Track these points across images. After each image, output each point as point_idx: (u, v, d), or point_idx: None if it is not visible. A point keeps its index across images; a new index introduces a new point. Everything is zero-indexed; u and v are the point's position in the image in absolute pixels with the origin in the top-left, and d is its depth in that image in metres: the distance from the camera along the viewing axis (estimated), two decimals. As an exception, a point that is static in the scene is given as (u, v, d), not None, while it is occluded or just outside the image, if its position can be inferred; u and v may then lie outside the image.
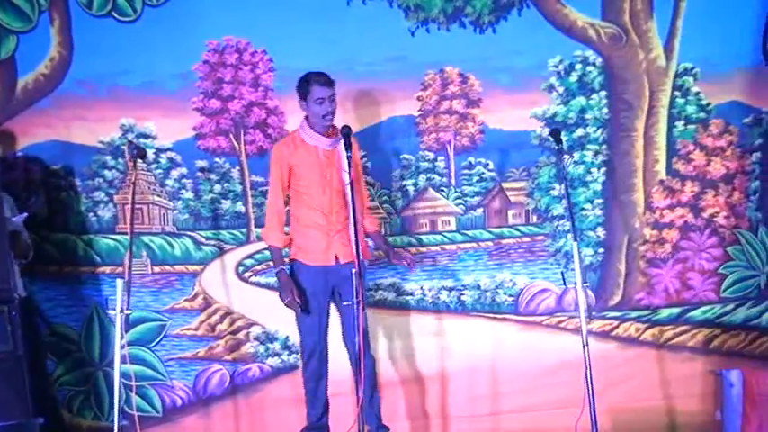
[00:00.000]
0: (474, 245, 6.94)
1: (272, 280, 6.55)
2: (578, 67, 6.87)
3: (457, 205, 6.93)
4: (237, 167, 6.79)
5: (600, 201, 6.96)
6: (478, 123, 6.87)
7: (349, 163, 5.61)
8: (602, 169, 6.95)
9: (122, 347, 5.64)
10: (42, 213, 6.61)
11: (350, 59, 6.57)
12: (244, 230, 6.80)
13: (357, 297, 5.40)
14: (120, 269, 6.60)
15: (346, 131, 5.70)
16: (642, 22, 6.86)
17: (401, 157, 6.88)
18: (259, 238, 6.68)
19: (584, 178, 6.95)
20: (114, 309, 5.57)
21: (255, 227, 6.76)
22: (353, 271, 5.43)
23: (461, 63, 6.83)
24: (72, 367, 6.73)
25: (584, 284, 5.81)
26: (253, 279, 6.81)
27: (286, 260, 6.01)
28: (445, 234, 6.94)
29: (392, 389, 6.71)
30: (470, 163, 6.91)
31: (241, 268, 6.82)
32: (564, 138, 6.50)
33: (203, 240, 6.80)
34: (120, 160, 6.68)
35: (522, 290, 6.94)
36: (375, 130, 6.81)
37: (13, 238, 5.90)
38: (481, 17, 6.78)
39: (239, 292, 6.82)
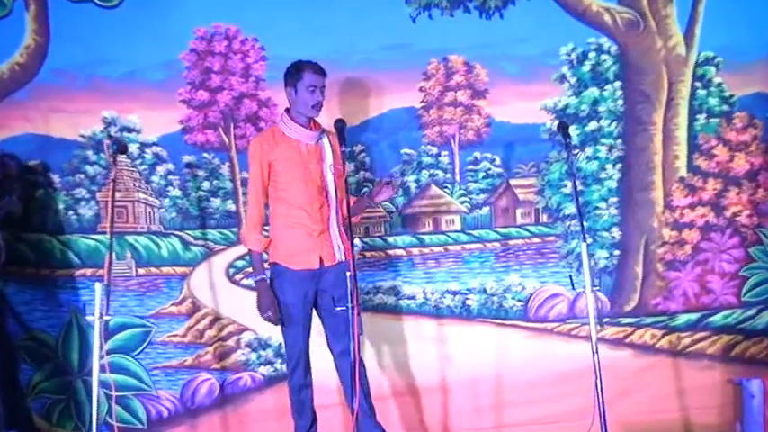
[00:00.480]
0: (480, 246, 6.77)
1: None
2: (592, 55, 6.74)
3: (462, 203, 6.75)
4: (227, 163, 6.61)
5: (615, 199, 6.80)
6: (485, 116, 6.72)
7: (343, 159, 5.46)
8: (618, 165, 6.79)
9: (102, 356, 5.44)
10: (17, 212, 6.41)
11: (347, 47, 6.44)
12: (234, 230, 6.60)
13: (352, 302, 5.21)
14: (101, 271, 6.27)
15: (340, 125, 5.53)
16: (661, 8, 6.75)
17: (402, 151, 6.71)
18: (241, 241, 6.47)
19: (598, 175, 6.80)
20: (92, 314, 5.37)
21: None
22: (348, 274, 5.24)
23: (466, 51, 6.68)
24: (51, 374, 6.52)
25: (594, 288, 5.63)
26: (244, 282, 6.60)
27: (266, 264, 5.81)
28: (449, 234, 6.76)
29: (390, 399, 6.57)
30: (476, 158, 6.73)
31: (232, 270, 6.64)
32: (575, 132, 6.60)
33: (192, 240, 6.62)
34: (102, 155, 6.51)
35: (531, 294, 6.77)
36: (374, 123, 6.65)
37: None
38: (487, 1, 6.65)
39: (230, 295, 6.63)
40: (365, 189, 6.49)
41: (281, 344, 6.45)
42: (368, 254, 6.62)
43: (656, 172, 6.77)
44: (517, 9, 6.60)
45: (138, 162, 6.53)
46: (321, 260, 5.68)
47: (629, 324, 6.76)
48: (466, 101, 6.67)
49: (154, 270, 6.58)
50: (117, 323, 6.32)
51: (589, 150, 6.73)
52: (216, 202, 6.58)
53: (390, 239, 6.55)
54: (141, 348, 6.52)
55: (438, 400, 6.64)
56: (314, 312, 5.81)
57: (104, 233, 6.41)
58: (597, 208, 6.75)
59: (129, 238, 6.54)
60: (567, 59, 6.68)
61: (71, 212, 6.52)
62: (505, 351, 6.69)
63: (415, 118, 6.67)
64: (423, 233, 6.72)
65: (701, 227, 6.78)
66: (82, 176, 6.51)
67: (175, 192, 6.57)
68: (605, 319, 6.61)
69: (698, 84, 6.74)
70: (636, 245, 6.78)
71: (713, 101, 6.76)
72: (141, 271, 6.56)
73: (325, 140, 5.69)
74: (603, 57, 6.69)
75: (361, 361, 5.66)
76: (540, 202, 6.75)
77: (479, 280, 6.71)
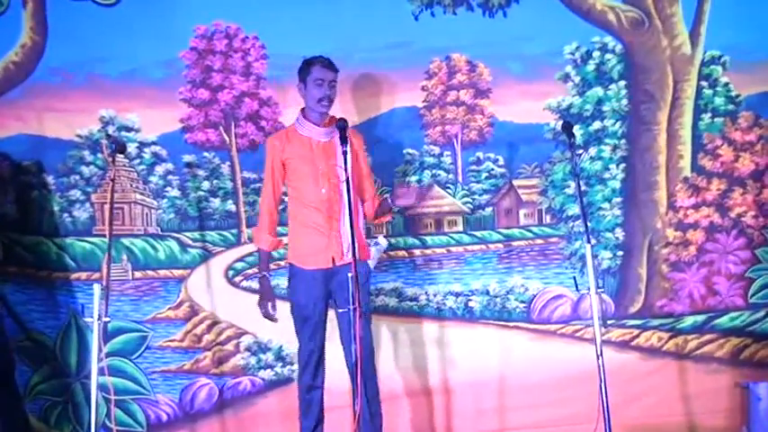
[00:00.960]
0: (483, 247, 6.70)
1: None
2: (596, 54, 6.67)
3: (464, 204, 6.68)
4: (228, 163, 6.54)
5: (618, 200, 6.73)
6: (488, 115, 6.65)
7: (345, 158, 5.35)
8: (621, 165, 6.72)
9: (101, 359, 5.35)
10: (11, 214, 6.34)
11: (348, 46, 6.34)
12: (234, 231, 6.55)
13: (354, 304, 5.13)
14: (97, 275, 6.36)
15: (341, 125, 5.43)
16: (666, 6, 6.67)
17: (404, 151, 6.63)
18: (251, 240, 6.44)
19: (602, 175, 6.72)
20: (91, 316, 5.28)
21: (247, 227, 6.53)
22: (350, 275, 5.16)
23: (469, 50, 6.61)
24: (49, 376, 6.45)
25: (599, 290, 5.53)
26: (244, 284, 6.54)
27: (282, 263, 5.82)
28: (451, 235, 6.69)
29: (392, 402, 6.41)
30: (479, 158, 6.66)
31: (231, 272, 6.55)
32: (579, 131, 6.52)
33: (190, 242, 6.54)
34: (99, 155, 6.44)
35: (534, 296, 6.69)
36: (375, 123, 6.58)
37: None
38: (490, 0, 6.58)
39: (229, 298, 6.55)
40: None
41: (281, 347, 6.53)
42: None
43: (660, 172, 6.70)
44: (521, 7, 6.53)
45: (136, 162, 6.46)
46: (333, 259, 5.61)
47: (635, 326, 6.68)
48: (469, 100, 6.60)
49: (151, 273, 6.50)
50: (114, 327, 6.23)
51: (593, 150, 6.65)
52: (215, 202, 6.51)
53: (392, 240, 6.46)
54: (139, 353, 6.44)
55: (440, 402, 6.58)
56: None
57: (100, 236, 6.41)
58: (601, 208, 6.68)
59: (126, 241, 6.46)
60: (572, 58, 6.61)
61: (65, 215, 6.44)
62: (508, 353, 6.62)
63: (418, 117, 6.60)
64: (425, 234, 6.65)
65: (706, 227, 6.71)
66: (77, 177, 6.44)
67: (174, 192, 6.50)
68: (610, 321, 6.55)
69: (703, 83, 6.67)
70: (639, 246, 6.71)
71: (719, 100, 6.69)
72: (138, 274, 6.48)
73: (338, 138, 5.58)
74: (608, 56, 6.62)
75: (369, 364, 5.65)
76: (543, 202, 6.68)
77: (482, 281, 6.64)
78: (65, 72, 6.35)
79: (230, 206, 6.51)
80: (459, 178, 6.64)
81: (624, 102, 6.66)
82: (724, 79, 6.69)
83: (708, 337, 6.73)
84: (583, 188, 6.46)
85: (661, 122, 6.68)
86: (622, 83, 6.65)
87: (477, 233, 6.66)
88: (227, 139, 6.48)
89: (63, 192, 6.42)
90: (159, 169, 6.47)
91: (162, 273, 6.49)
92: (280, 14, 6.41)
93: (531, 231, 6.70)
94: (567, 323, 6.65)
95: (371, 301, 6.20)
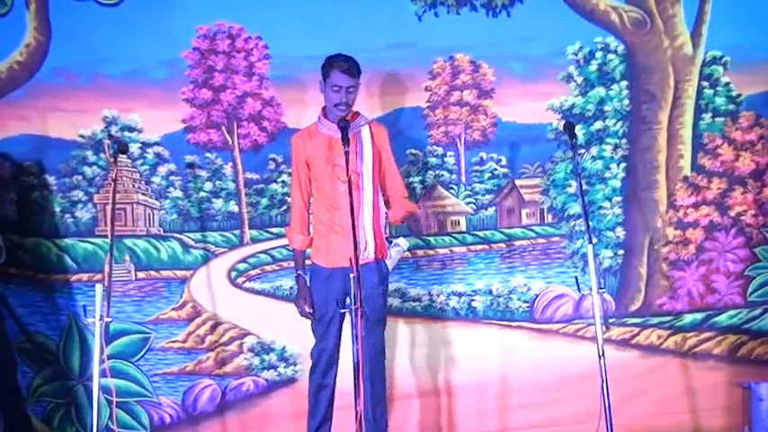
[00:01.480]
0: (485, 246, 6.69)
1: (268, 286, 6.50)
2: (599, 54, 6.68)
3: (467, 204, 6.67)
4: (230, 163, 6.49)
5: (619, 199, 6.74)
6: (491, 116, 6.65)
7: (347, 158, 5.28)
8: (622, 165, 6.73)
9: (103, 360, 5.32)
10: (12, 215, 6.29)
11: (351, 46, 6.14)
12: (237, 232, 6.51)
13: (355, 304, 5.07)
14: (98, 276, 6.31)
15: (343, 125, 5.40)
16: (668, 6, 6.68)
17: (407, 151, 6.58)
18: (254, 240, 6.51)
19: (603, 174, 6.73)
20: (92, 317, 5.26)
21: (249, 228, 6.51)
22: (352, 276, 5.10)
23: (473, 50, 6.60)
24: (51, 378, 6.39)
25: (601, 290, 5.50)
26: (247, 285, 6.51)
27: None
28: (455, 235, 6.68)
29: (394, 402, 6.45)
30: (482, 158, 6.66)
31: (234, 273, 6.51)
32: (581, 131, 6.55)
33: (192, 243, 6.50)
34: (102, 156, 6.39)
35: (536, 295, 6.69)
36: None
37: None
38: (494, 0, 6.55)
39: (232, 299, 6.51)
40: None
41: (284, 347, 6.50)
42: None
43: (661, 171, 6.71)
44: (524, 8, 6.52)
45: (138, 162, 6.41)
46: (351, 260, 5.55)
47: (635, 324, 6.69)
48: (472, 100, 6.58)
49: (153, 274, 6.45)
50: (116, 329, 6.17)
51: (594, 150, 6.66)
52: (218, 203, 6.47)
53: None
54: (141, 355, 6.39)
55: (443, 402, 6.56)
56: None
57: (102, 237, 6.36)
58: (602, 207, 6.69)
59: (128, 242, 6.41)
60: (575, 59, 6.60)
61: (67, 215, 6.38)
62: (511, 353, 6.62)
63: (421, 118, 6.58)
64: (428, 234, 6.64)
65: (706, 226, 6.72)
66: (79, 178, 6.38)
67: (176, 193, 6.45)
68: (611, 320, 6.55)
69: (704, 83, 6.68)
70: (640, 244, 6.72)
71: (720, 100, 6.70)
72: (140, 275, 6.44)
73: (364, 134, 5.58)
74: (610, 56, 6.62)
75: (377, 367, 5.64)
76: (545, 202, 6.68)
77: (485, 281, 6.63)
78: (68, 72, 6.30)
79: (233, 207, 6.47)
80: (463, 178, 6.63)
81: (626, 102, 6.66)
82: (725, 79, 6.69)
83: (706, 334, 6.75)
84: (584, 187, 6.45)
85: (662, 122, 6.69)
86: (624, 83, 6.65)
87: (480, 233, 6.65)
88: (229, 139, 6.43)
89: (65, 192, 6.36)
90: (162, 170, 6.42)
91: (165, 273, 6.44)
92: (282, 15, 6.38)
93: (533, 231, 6.70)
94: (569, 322, 6.65)
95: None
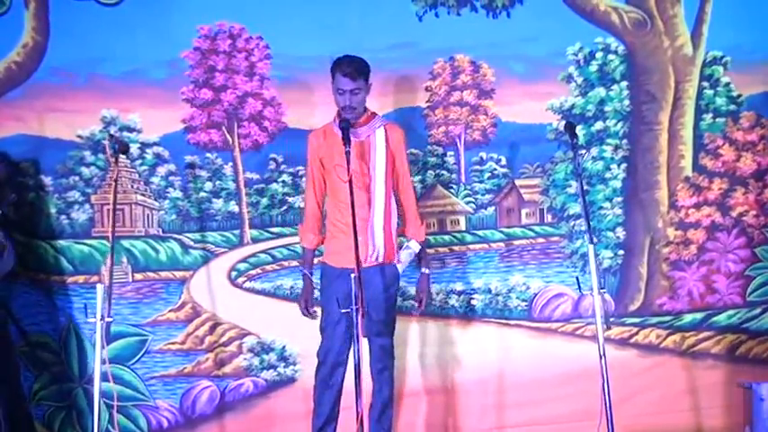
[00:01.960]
0: (485, 246, 6.68)
1: (269, 285, 6.48)
2: (599, 55, 6.66)
3: (467, 203, 6.66)
4: (230, 163, 6.47)
5: (620, 199, 6.72)
6: (491, 116, 6.63)
7: (347, 158, 5.28)
8: (623, 165, 6.71)
9: (104, 360, 5.29)
10: (9, 215, 6.18)
11: (352, 46, 6.15)
12: (237, 232, 6.48)
13: (356, 304, 5.11)
14: (94, 278, 6.28)
15: (344, 125, 5.42)
16: (668, 7, 6.67)
17: (407, 151, 6.38)
18: (254, 240, 6.50)
19: (603, 175, 6.72)
20: (92, 317, 5.22)
21: (249, 228, 6.49)
22: (353, 276, 5.12)
23: (473, 50, 6.59)
24: (51, 382, 6.37)
25: (602, 290, 5.49)
26: (247, 285, 6.49)
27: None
28: (454, 234, 6.66)
29: (396, 401, 6.27)
30: (482, 158, 6.65)
31: (234, 273, 6.50)
32: (581, 132, 6.51)
33: (191, 244, 6.48)
34: (100, 156, 6.36)
35: (535, 294, 6.68)
36: None
37: None
38: (495, 0, 6.55)
39: (232, 299, 6.49)
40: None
41: (284, 347, 6.48)
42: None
43: (661, 171, 6.70)
44: (524, 8, 6.51)
45: (138, 162, 6.38)
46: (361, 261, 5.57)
47: (634, 324, 6.69)
48: (472, 101, 6.57)
49: (151, 275, 6.42)
50: (112, 332, 6.10)
51: (594, 150, 6.65)
52: (218, 203, 6.45)
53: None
54: (137, 358, 6.37)
55: (442, 401, 6.57)
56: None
57: (98, 238, 6.33)
58: (602, 208, 6.68)
59: (125, 243, 6.37)
60: (575, 59, 6.59)
61: (63, 216, 6.35)
62: (510, 351, 6.62)
63: (421, 118, 6.58)
64: (428, 233, 6.48)
65: (707, 227, 6.72)
66: (76, 178, 6.34)
67: (176, 193, 6.43)
68: (611, 319, 6.56)
69: (705, 83, 6.66)
70: (641, 245, 6.71)
71: (720, 100, 6.69)
72: (138, 276, 6.40)
73: (378, 136, 5.57)
74: (611, 56, 6.60)
75: (385, 368, 5.68)
76: (544, 202, 6.67)
77: (484, 280, 6.62)
78: (66, 72, 6.27)
79: (233, 207, 6.45)
80: (462, 178, 6.61)
81: (626, 102, 6.65)
82: (725, 79, 6.69)
83: (705, 334, 6.74)
84: (584, 188, 6.44)
85: (662, 122, 6.68)
86: (624, 83, 6.63)
87: (480, 232, 6.64)
88: (229, 139, 6.42)
89: (61, 193, 6.33)
90: (161, 170, 6.40)
91: (163, 274, 6.42)
92: (283, 15, 6.36)
93: (532, 230, 6.69)
94: (568, 321, 6.65)
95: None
